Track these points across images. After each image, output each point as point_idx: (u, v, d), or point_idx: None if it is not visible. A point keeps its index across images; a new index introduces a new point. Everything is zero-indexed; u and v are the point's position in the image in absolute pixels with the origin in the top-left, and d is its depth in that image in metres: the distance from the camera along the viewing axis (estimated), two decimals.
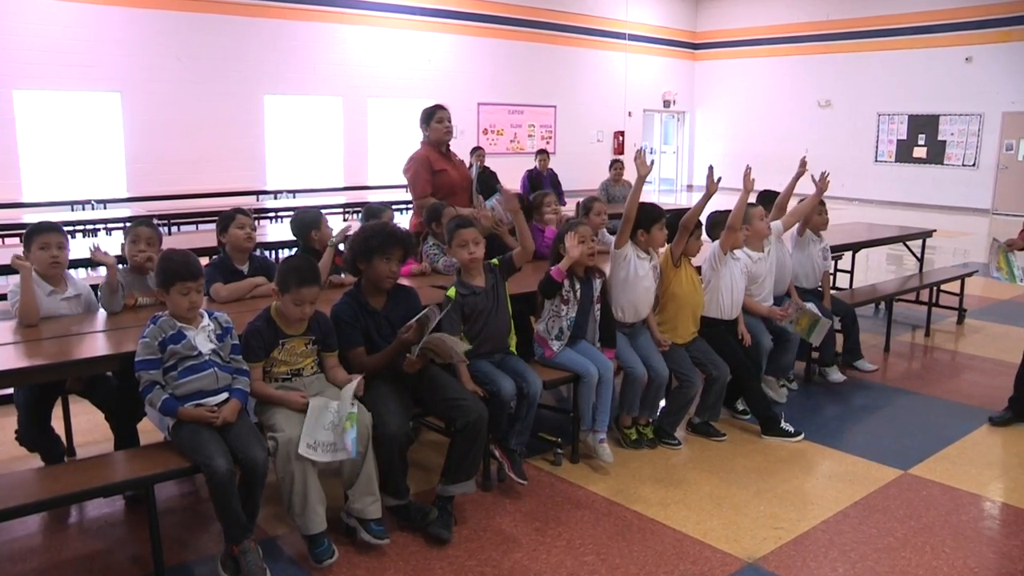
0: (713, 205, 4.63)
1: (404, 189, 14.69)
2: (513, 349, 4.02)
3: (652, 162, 4.42)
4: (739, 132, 22.54)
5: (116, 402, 3.65)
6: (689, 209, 4.45)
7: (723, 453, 4.36)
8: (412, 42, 17.10)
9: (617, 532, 3.46)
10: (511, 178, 10.90)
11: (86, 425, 4.37)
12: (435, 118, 5.48)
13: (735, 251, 4.65)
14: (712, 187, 4.44)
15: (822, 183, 5.33)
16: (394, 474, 3.37)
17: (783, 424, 4.55)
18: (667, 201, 16.20)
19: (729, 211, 4.57)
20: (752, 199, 5.03)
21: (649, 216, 4.31)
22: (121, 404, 3.62)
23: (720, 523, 3.56)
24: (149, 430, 3.55)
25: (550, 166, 10.98)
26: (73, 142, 13.40)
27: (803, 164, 5.33)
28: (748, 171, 4.56)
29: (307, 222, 4.48)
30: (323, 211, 4.86)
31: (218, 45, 14.38)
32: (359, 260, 3.51)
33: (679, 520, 3.57)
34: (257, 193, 12.95)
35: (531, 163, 10.96)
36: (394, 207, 8.73)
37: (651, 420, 4.43)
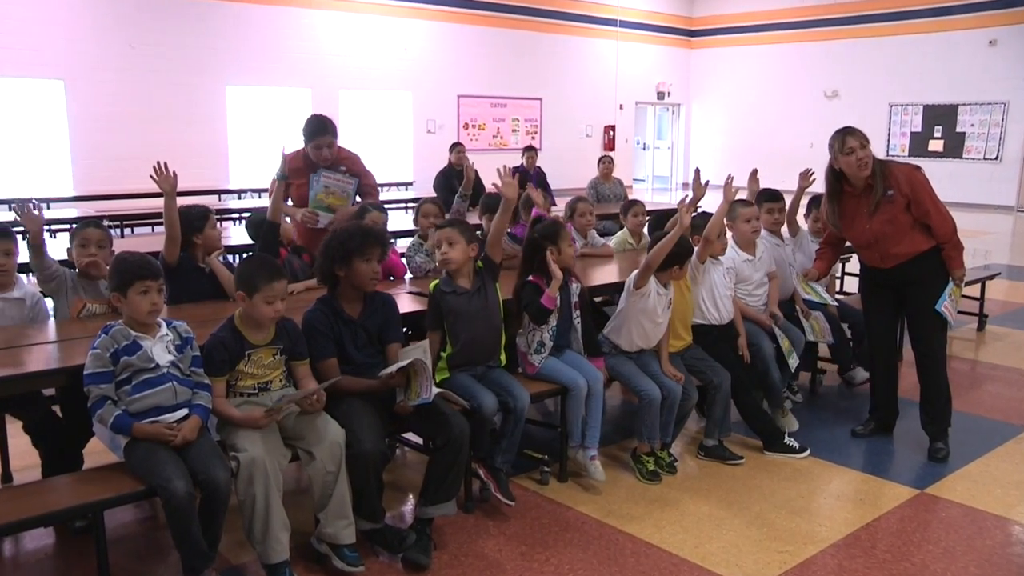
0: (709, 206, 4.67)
1: (380, 188, 14.85)
2: (503, 361, 4.05)
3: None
4: (738, 126, 22.69)
5: (47, 426, 3.63)
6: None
7: (722, 471, 4.38)
8: (387, 29, 17.12)
9: (609, 556, 3.48)
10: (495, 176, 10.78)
11: (25, 447, 4.28)
12: (314, 142, 5.17)
13: (716, 256, 4.69)
14: (699, 191, 4.51)
15: (804, 180, 5.44)
16: (369, 496, 3.37)
17: (787, 439, 4.58)
18: (661, 200, 16.30)
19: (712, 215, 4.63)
20: (747, 197, 5.11)
21: (687, 250, 4.31)
22: (61, 426, 3.61)
23: (719, 546, 3.58)
24: (99, 451, 3.53)
25: (538, 164, 11.03)
26: (11, 135, 13.28)
27: (805, 177, 5.42)
28: (729, 181, 4.61)
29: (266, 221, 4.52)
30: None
31: (175, 31, 14.36)
32: (337, 265, 3.53)
33: (675, 543, 3.59)
34: (219, 192, 12.94)
35: (517, 160, 11.00)
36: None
37: (666, 444, 4.41)
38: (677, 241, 4.12)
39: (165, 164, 4.05)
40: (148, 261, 3.19)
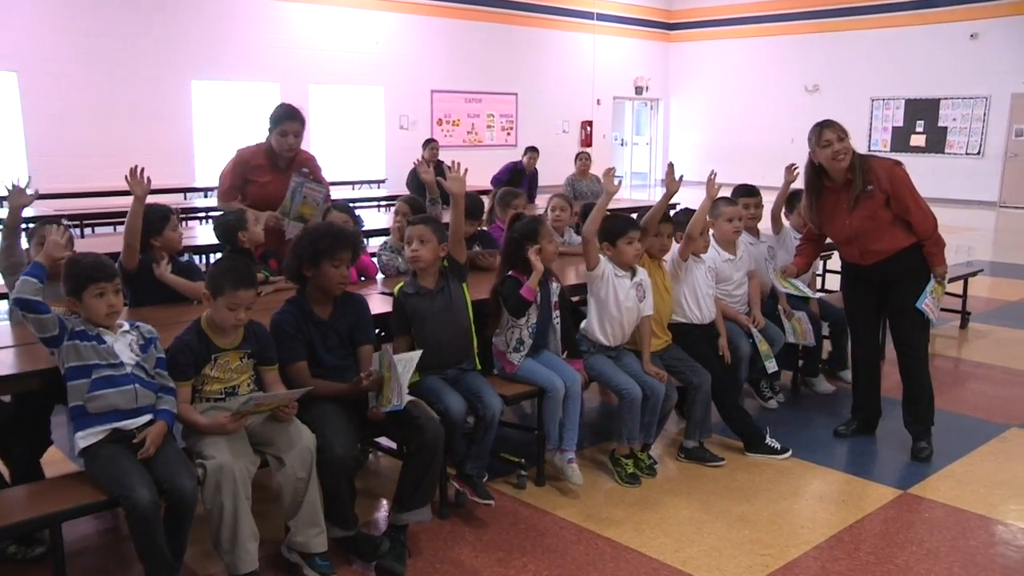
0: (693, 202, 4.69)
1: (352, 185, 14.83)
2: (477, 365, 4.04)
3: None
4: (718, 121, 22.84)
5: (9, 429, 3.58)
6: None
7: (703, 473, 4.40)
8: (358, 22, 17.08)
9: (588, 562, 3.48)
10: (473, 173, 10.75)
11: None
12: (279, 128, 5.09)
13: (698, 254, 4.71)
14: (672, 185, 4.52)
15: (788, 175, 5.49)
16: (341, 502, 3.36)
17: (768, 440, 4.60)
18: (640, 197, 16.37)
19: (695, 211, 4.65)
20: (727, 193, 5.13)
21: (611, 230, 4.29)
22: (17, 434, 3.56)
23: (701, 550, 3.59)
24: (58, 460, 3.50)
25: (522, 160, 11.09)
26: None
27: (790, 171, 5.46)
28: (712, 177, 4.62)
29: (231, 224, 4.48)
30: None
31: (136, 21, 14.23)
32: (305, 266, 3.51)
33: (656, 547, 3.60)
34: (185, 190, 12.82)
35: (492, 157, 11.02)
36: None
37: (647, 444, 4.43)
38: (610, 221, 4.22)
39: (142, 169, 4.00)
40: (101, 262, 3.15)
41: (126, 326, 3.17)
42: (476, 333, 4.05)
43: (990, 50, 18.23)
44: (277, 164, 5.17)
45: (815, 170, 4.54)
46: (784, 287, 5.13)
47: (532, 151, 11.08)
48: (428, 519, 3.57)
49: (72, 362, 3.01)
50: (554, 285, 4.27)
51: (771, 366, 4.95)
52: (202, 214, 10.14)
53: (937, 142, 19.23)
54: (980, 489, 4.22)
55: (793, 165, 5.48)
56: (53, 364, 3.07)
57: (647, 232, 4.43)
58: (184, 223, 9.32)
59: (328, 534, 3.30)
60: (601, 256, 4.29)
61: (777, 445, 4.59)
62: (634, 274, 4.35)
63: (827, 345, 5.78)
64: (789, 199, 5.64)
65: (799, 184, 5.35)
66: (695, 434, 4.54)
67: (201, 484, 3.03)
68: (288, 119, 5.08)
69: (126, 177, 3.99)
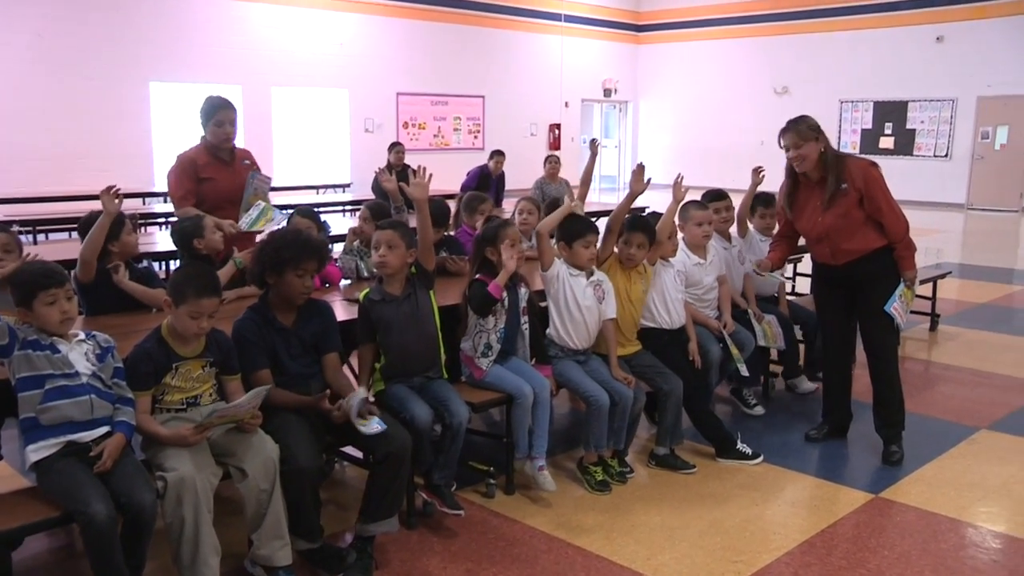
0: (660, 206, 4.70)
1: (316, 190, 14.76)
2: (444, 373, 4.03)
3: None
4: (687, 123, 23.00)
5: None
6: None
7: (674, 479, 4.42)
8: (322, 23, 17.02)
9: (558, 571, 3.48)
10: (439, 177, 10.76)
11: None
12: (214, 119, 5.13)
13: (666, 258, 4.72)
14: (638, 186, 4.49)
15: (755, 177, 5.54)
16: (305, 513, 3.33)
17: (740, 445, 4.63)
18: (608, 200, 16.41)
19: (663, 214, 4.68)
20: (697, 197, 5.15)
21: (569, 231, 4.31)
22: None
23: (673, 557, 3.60)
24: (7, 476, 3.43)
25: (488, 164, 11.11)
26: None
27: (756, 174, 5.51)
28: (679, 180, 4.64)
29: (188, 231, 4.43)
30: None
31: (92, 21, 14.06)
32: (268, 273, 3.48)
33: (627, 555, 3.61)
34: (143, 195, 12.66)
35: (459, 160, 11.03)
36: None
37: (617, 450, 4.42)
38: (569, 222, 4.28)
39: (118, 190, 3.98)
40: (50, 268, 3.09)
41: (82, 335, 3.12)
42: (443, 341, 4.04)
43: (956, 53, 18.55)
44: (221, 158, 5.21)
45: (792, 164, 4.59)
46: (761, 276, 5.14)
47: (498, 155, 11.13)
48: (395, 530, 3.55)
49: (24, 372, 2.96)
50: (523, 290, 4.26)
51: (742, 370, 4.98)
52: (161, 219, 10.04)
53: (905, 144, 19.50)
54: (950, 492, 4.28)
55: (760, 168, 5.53)
56: (3, 375, 3.01)
57: (611, 233, 4.44)
58: (143, 229, 9.24)
59: (293, 546, 3.27)
60: (556, 258, 4.32)
61: (748, 450, 4.61)
62: (591, 274, 4.36)
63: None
64: (754, 202, 5.68)
65: (765, 187, 5.41)
66: (666, 441, 4.54)
67: (161, 497, 2.99)
68: (222, 108, 5.14)
69: (100, 194, 3.95)
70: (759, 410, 5.38)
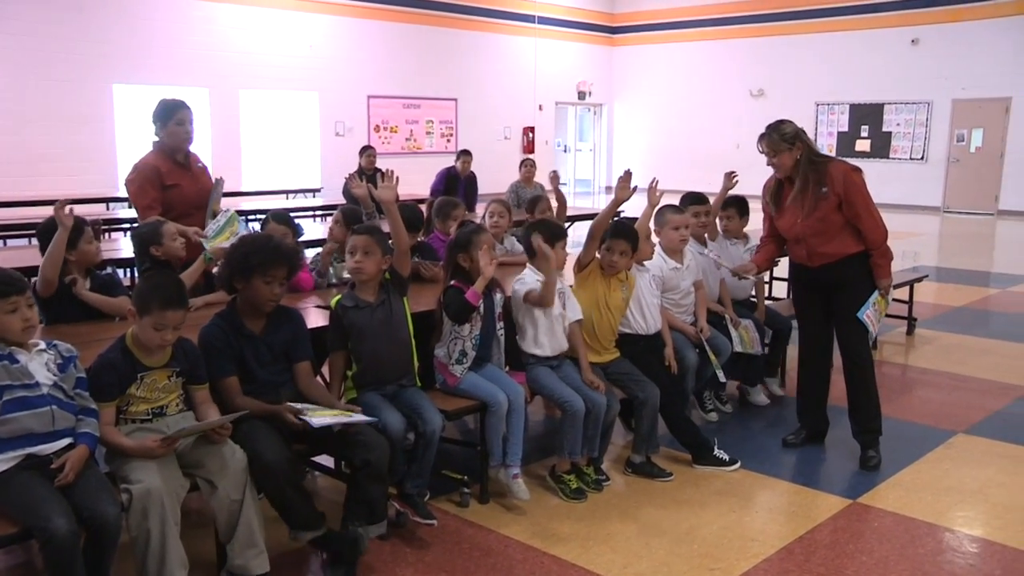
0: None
1: (286, 195, 14.68)
2: (417, 381, 4.01)
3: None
4: (662, 126, 23.10)
5: None
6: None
7: (651, 486, 4.42)
8: (291, 24, 16.94)
9: None
10: (412, 181, 10.93)
11: None
12: (174, 119, 5.06)
13: (642, 263, 4.73)
14: (623, 193, 4.47)
15: (728, 182, 5.59)
16: (294, 505, 3.34)
17: (716, 451, 4.64)
18: (583, 205, 16.44)
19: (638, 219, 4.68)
20: (675, 201, 5.16)
21: (540, 234, 4.28)
22: None
23: (649, 566, 3.60)
24: None
25: (472, 169, 11.07)
26: None
27: (729, 178, 5.55)
28: (654, 185, 4.65)
29: (145, 237, 4.37)
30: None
31: (53, 21, 13.88)
32: (236, 278, 3.46)
33: (603, 564, 3.60)
34: (107, 200, 12.53)
35: (432, 164, 11.00)
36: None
37: (592, 458, 4.42)
38: (540, 226, 4.33)
39: (71, 208, 3.93)
40: (8, 275, 3.03)
41: (42, 344, 3.08)
42: (416, 348, 4.03)
43: (931, 56, 18.74)
44: (178, 161, 5.14)
45: None
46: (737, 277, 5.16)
47: (465, 154, 11.05)
48: (384, 531, 3.57)
49: None
50: (498, 296, 4.26)
51: (720, 376, 4.99)
52: (126, 225, 9.91)
53: (882, 147, 19.68)
54: (928, 496, 4.31)
55: (733, 172, 5.55)
56: None
57: (593, 239, 4.44)
58: (107, 235, 9.13)
59: (298, 540, 3.33)
60: (528, 266, 4.36)
61: (725, 456, 4.62)
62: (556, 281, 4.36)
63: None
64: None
65: (740, 191, 5.44)
66: (642, 449, 4.55)
67: (126, 510, 2.95)
68: (181, 108, 5.12)
69: (55, 213, 3.90)
70: (714, 416, 5.39)
